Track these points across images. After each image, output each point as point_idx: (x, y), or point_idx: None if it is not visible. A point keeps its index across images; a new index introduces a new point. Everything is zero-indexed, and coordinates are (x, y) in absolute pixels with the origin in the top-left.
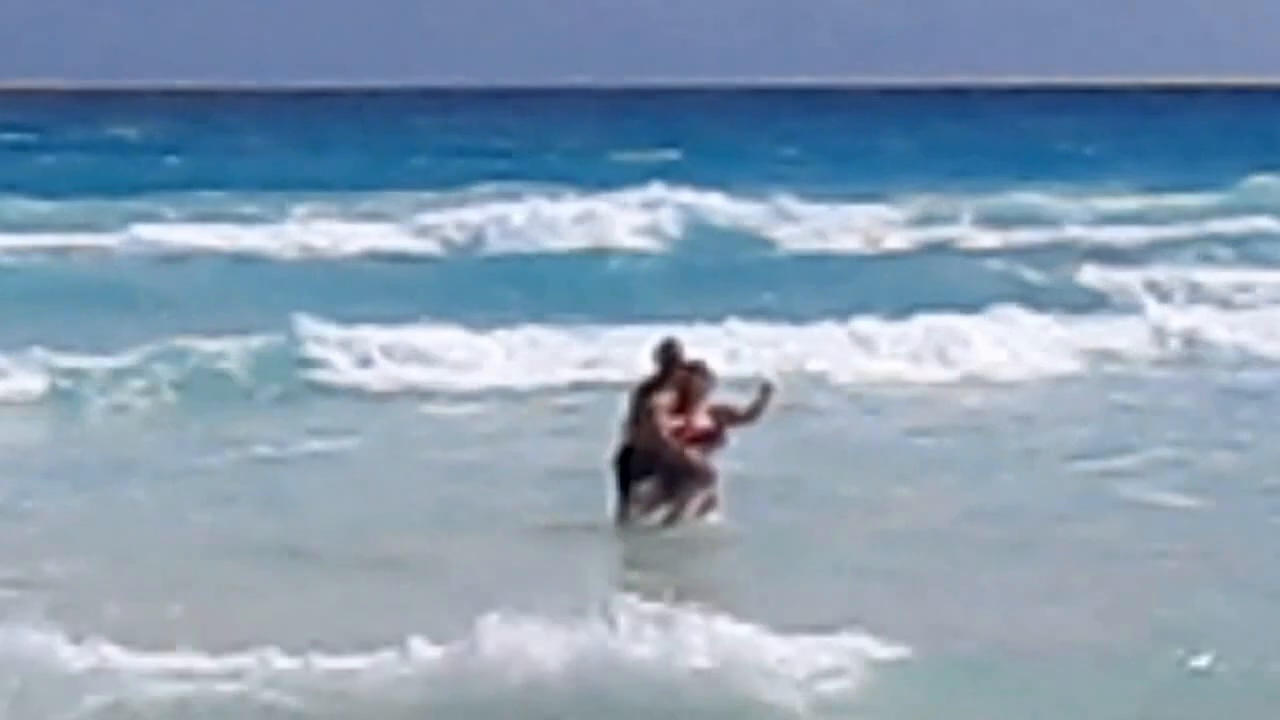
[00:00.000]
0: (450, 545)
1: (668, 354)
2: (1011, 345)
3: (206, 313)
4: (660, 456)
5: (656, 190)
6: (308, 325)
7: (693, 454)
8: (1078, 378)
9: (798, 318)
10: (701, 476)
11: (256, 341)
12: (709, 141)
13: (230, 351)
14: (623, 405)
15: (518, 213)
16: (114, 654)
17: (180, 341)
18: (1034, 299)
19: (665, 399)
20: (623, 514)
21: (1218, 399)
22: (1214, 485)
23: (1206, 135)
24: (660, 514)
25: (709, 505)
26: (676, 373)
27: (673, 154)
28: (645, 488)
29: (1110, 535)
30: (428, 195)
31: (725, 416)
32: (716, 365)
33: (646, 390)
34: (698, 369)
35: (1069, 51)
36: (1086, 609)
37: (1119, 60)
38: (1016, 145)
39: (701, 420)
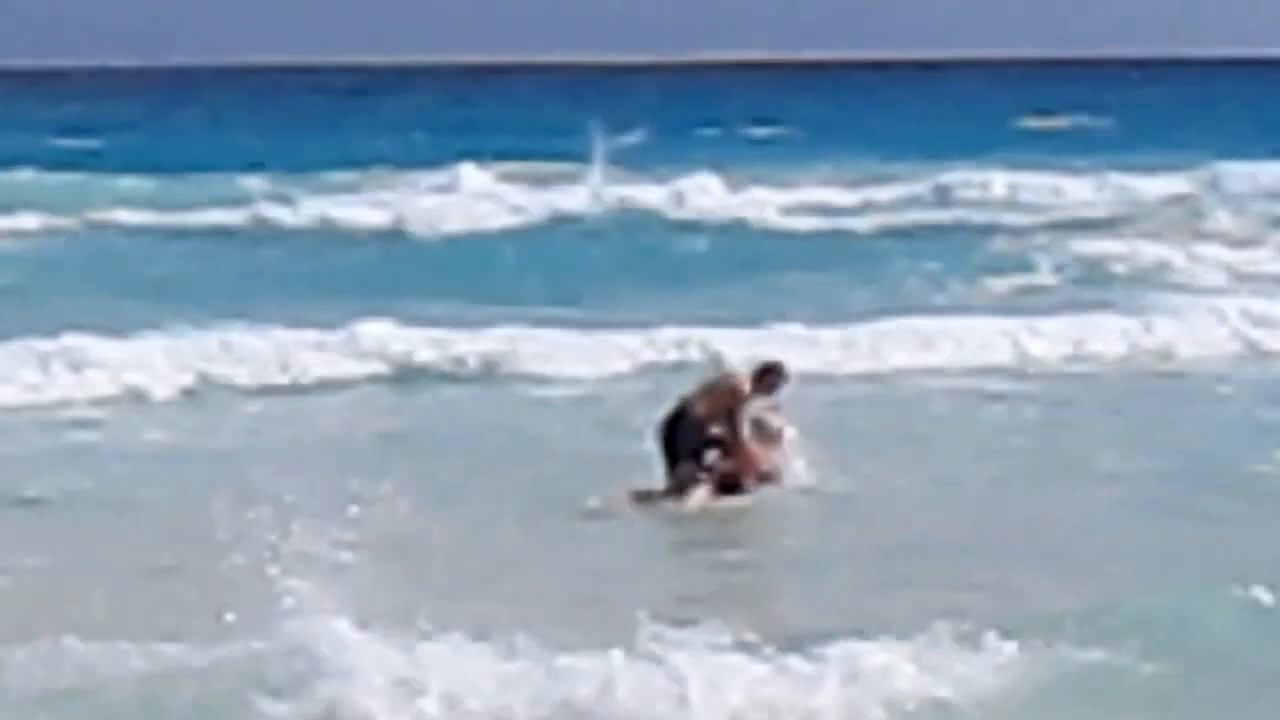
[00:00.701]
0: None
1: (768, 375)
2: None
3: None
4: (704, 434)
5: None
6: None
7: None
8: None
9: (766, 311)
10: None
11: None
12: (673, 119)
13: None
14: (699, 378)
15: (475, 194)
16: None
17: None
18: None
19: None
20: (671, 477)
21: None
22: None
23: (1174, 111)
24: (696, 497)
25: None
26: (768, 407)
27: (637, 135)
28: (688, 466)
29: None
30: (387, 172)
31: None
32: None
33: (735, 388)
34: (780, 433)
35: (1033, 26)
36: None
37: (1086, 35)
38: (983, 120)
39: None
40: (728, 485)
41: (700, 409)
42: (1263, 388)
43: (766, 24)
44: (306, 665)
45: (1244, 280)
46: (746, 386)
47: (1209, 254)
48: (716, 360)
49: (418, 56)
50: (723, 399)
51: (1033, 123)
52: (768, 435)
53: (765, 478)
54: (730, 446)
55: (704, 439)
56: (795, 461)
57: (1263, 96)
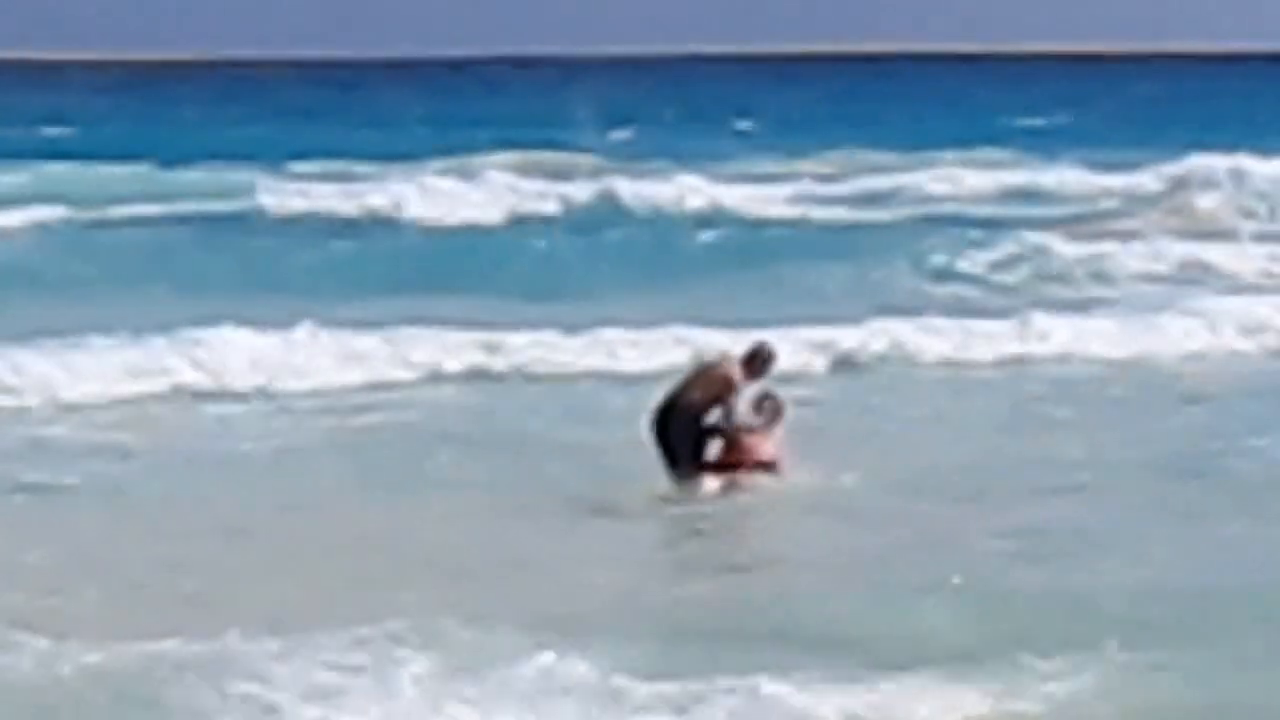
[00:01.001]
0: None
1: (756, 359)
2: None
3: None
4: (699, 424)
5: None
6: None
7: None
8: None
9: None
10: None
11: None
12: (662, 114)
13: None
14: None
15: (465, 188)
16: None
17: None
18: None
19: (743, 389)
20: (676, 473)
21: None
22: None
23: (1158, 106)
24: (704, 486)
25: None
26: (760, 394)
27: (625, 130)
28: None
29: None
30: (375, 165)
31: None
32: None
33: (727, 376)
34: (774, 423)
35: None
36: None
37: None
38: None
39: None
40: (726, 467)
41: (691, 397)
42: (1248, 383)
43: (757, 19)
44: (297, 663)
45: (1229, 276)
46: (737, 374)
47: (1192, 250)
48: (698, 350)
49: (408, 52)
50: (714, 387)
51: (1018, 118)
52: (762, 425)
53: (764, 467)
54: (728, 438)
55: (701, 430)
56: (791, 454)
57: (1248, 92)
